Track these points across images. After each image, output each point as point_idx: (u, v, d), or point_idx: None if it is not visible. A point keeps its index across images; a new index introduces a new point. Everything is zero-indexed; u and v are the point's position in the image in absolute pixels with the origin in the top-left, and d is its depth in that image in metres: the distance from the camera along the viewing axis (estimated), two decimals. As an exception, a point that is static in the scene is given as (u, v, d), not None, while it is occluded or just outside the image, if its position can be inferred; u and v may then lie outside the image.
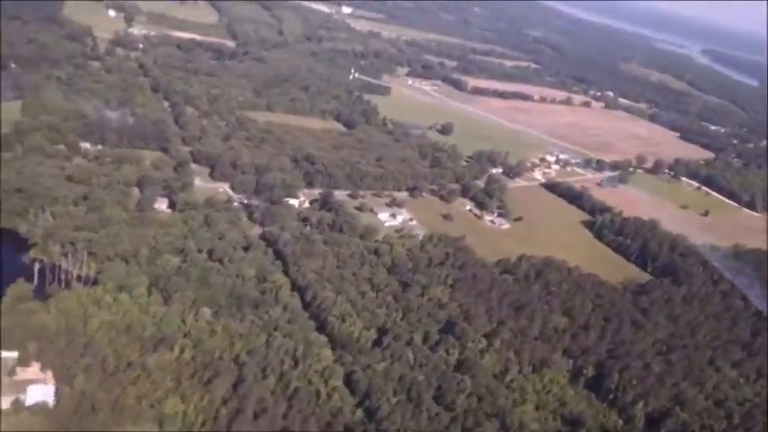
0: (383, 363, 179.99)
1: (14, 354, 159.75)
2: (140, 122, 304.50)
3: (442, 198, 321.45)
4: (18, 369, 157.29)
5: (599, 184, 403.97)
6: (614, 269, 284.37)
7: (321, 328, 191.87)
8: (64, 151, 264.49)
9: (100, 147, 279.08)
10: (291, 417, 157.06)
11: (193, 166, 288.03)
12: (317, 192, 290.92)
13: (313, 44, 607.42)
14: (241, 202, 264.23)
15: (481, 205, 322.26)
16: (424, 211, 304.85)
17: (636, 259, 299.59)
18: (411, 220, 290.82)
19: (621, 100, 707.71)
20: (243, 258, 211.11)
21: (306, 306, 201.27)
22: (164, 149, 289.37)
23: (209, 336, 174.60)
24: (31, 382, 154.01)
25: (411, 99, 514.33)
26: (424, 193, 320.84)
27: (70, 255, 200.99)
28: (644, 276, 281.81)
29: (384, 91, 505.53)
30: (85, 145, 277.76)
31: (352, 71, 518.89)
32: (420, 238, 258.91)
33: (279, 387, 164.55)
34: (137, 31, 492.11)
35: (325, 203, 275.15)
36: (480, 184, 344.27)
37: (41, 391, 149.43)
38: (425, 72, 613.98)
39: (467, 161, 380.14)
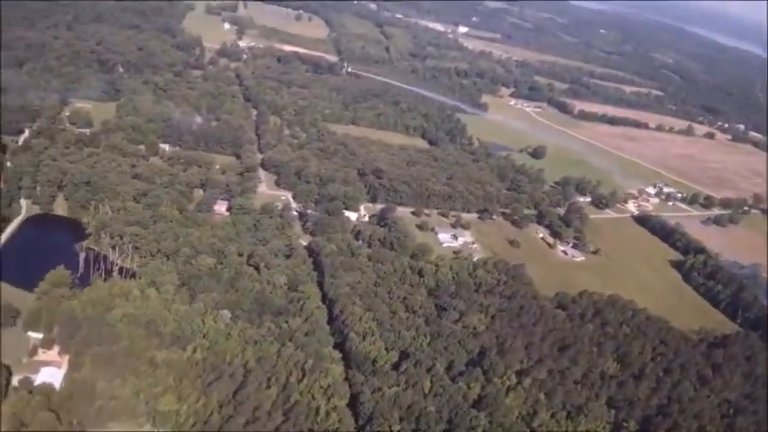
0: (395, 387, 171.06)
1: (39, 335, 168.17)
2: (220, 128, 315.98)
3: (513, 223, 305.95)
4: (40, 350, 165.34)
5: (703, 223, 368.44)
6: (695, 316, 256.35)
7: (341, 343, 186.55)
8: (141, 151, 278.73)
9: (177, 149, 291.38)
10: (284, 430, 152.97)
11: (262, 172, 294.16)
12: (379, 207, 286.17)
13: (417, 61, 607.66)
14: (298, 211, 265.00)
15: (556, 234, 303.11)
16: (490, 235, 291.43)
17: (725, 308, 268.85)
18: (473, 243, 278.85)
19: (753, 134, 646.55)
20: (279, 266, 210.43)
21: (331, 320, 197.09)
22: (237, 155, 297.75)
23: (224, 339, 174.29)
24: (46, 363, 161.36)
25: (508, 120, 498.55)
26: (495, 217, 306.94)
27: (117, 247, 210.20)
28: (730, 327, 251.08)
29: (480, 110, 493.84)
30: (164, 146, 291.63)
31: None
32: (474, 261, 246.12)
33: (280, 398, 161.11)
34: (245, 43, 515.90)
35: (382, 218, 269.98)
36: (560, 211, 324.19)
37: (51, 374, 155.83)
38: (531, 93, 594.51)
39: (552, 187, 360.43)
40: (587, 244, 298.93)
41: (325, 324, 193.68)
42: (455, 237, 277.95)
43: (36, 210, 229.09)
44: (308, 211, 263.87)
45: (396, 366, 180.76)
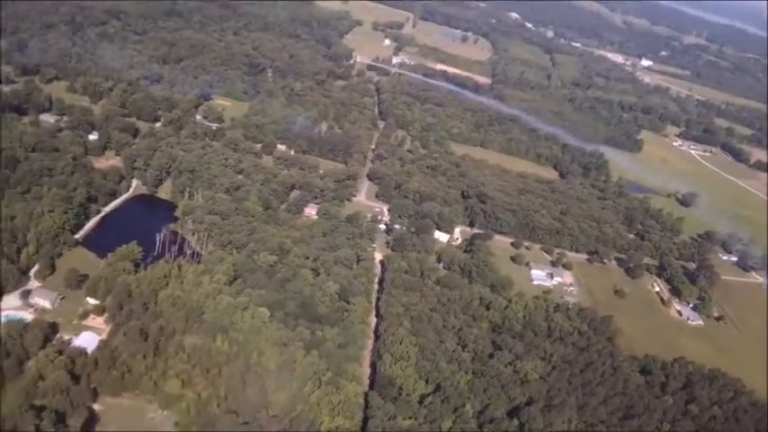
0: (412, 420, 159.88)
1: (95, 302, 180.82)
2: (337, 136, 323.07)
3: (627, 271, 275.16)
4: (91, 316, 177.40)
5: None
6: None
7: (373, 363, 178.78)
8: (256, 148, 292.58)
9: (291, 151, 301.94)
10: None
11: (367, 183, 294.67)
12: (475, 231, 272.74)
13: (579, 91, 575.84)
14: (387, 225, 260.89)
15: (675, 291, 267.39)
16: (595, 280, 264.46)
17: None
18: (570, 285, 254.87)
19: None
20: (339, 274, 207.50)
21: (378, 337, 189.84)
22: (345, 163, 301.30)
23: (255, 336, 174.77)
24: (89, 329, 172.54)
25: (664, 160, 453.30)
26: (606, 261, 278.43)
27: (196, 233, 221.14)
28: None
29: (632, 147, 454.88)
30: (281, 147, 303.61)
31: None
32: (556, 304, 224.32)
33: (286, 405, 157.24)
34: (398, 59, 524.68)
35: (470, 244, 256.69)
36: (689, 266, 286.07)
37: (89, 339, 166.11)
38: (703, 136, 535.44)
39: (692, 239, 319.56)
40: (712, 307, 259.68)
41: (366, 340, 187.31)
42: (550, 275, 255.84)
43: (143, 190, 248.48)
44: (396, 226, 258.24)
45: (423, 398, 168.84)
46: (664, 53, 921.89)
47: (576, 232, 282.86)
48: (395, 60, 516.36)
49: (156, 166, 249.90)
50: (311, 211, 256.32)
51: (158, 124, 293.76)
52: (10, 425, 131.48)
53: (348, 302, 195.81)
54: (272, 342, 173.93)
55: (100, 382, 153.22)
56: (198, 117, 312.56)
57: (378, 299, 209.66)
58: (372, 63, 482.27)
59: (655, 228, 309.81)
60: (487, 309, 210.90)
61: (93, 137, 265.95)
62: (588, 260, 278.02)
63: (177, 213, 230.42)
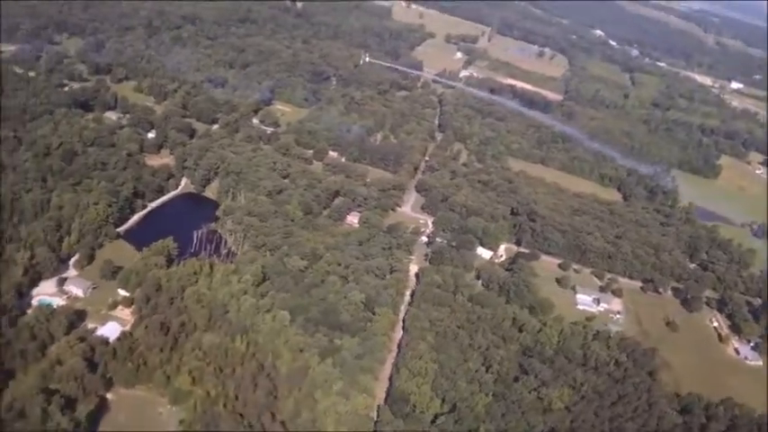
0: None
1: (125, 293, 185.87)
2: (389, 145, 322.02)
3: (684, 303, 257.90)
4: (119, 307, 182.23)
5: None
6: None
7: (391, 377, 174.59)
8: (308, 154, 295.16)
9: (344, 159, 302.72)
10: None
11: (414, 194, 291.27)
12: (522, 250, 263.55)
13: (657, 112, 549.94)
14: (428, 237, 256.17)
15: (735, 328, 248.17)
16: (646, 310, 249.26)
17: None
18: (618, 313, 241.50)
19: None
20: (368, 283, 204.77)
21: (398, 350, 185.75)
22: (395, 172, 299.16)
23: (274, 339, 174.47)
24: (115, 319, 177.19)
25: (742, 189, 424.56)
26: (662, 291, 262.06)
27: (234, 234, 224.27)
28: None
29: (709, 173, 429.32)
30: (333, 154, 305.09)
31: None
32: (596, 331, 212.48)
33: (291, 411, 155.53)
34: (467, 72, 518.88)
35: (513, 262, 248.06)
36: (755, 302, 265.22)
37: (112, 329, 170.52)
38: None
39: (762, 274, 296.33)
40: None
41: (387, 352, 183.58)
42: (597, 301, 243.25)
43: (191, 188, 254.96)
44: (437, 239, 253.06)
45: (436, 417, 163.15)
46: (757, 76, 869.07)
47: (630, 258, 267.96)
48: (463, 73, 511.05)
49: (205, 166, 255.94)
50: (353, 219, 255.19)
51: (216, 126, 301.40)
52: (19, 406, 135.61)
53: (373, 313, 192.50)
54: (288, 346, 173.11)
55: (115, 372, 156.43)
56: (255, 121, 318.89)
57: (406, 312, 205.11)
58: (438, 75, 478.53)
59: (721, 259, 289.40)
60: (520, 330, 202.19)
61: (151, 135, 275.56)
62: (642, 288, 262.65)
63: (218, 213, 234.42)
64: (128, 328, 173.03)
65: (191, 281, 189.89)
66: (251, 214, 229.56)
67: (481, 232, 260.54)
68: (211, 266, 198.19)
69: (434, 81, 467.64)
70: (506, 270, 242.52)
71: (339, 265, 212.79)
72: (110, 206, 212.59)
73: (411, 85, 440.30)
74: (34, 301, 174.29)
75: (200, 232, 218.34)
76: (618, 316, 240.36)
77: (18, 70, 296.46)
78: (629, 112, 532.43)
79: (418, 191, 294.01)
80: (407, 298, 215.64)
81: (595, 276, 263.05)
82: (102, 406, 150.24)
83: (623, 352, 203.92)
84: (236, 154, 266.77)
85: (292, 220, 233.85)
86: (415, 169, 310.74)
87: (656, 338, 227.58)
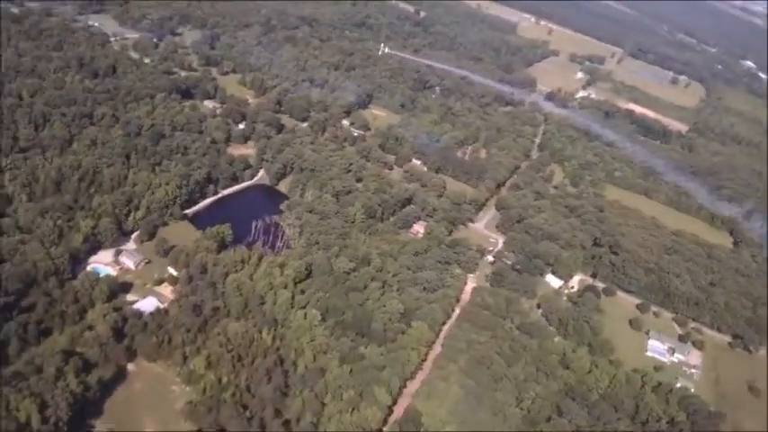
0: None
1: (173, 272, 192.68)
2: (476, 159, 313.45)
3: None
4: (164, 284, 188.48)
5: None
6: None
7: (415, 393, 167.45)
8: (390, 160, 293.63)
9: (426, 168, 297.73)
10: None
11: (492, 212, 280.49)
12: (597, 284, 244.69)
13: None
14: (494, 257, 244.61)
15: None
16: (729, 369, 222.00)
17: None
18: (694, 367, 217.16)
19: None
20: (411, 295, 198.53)
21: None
22: (475, 187, 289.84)
23: (300, 335, 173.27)
24: (157, 295, 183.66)
25: None
26: (753, 349, 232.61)
27: (292, 228, 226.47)
28: None
29: None
30: (416, 162, 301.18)
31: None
32: (658, 383, 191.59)
33: (298, 411, 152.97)
34: (584, 93, 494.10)
35: (580, 295, 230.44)
36: None
37: (149, 304, 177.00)
38: None
39: None
40: None
41: (416, 368, 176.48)
42: (671, 350, 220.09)
43: (266, 181, 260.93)
44: (503, 260, 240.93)
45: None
46: None
47: (721, 308, 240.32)
48: (579, 94, 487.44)
49: (282, 160, 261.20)
50: (419, 228, 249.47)
51: (305, 124, 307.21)
52: (39, 362, 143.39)
53: (408, 325, 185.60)
54: (312, 346, 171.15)
55: (140, 344, 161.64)
56: (345, 122, 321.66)
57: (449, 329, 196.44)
58: (551, 93, 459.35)
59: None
60: (566, 368, 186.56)
61: (241, 126, 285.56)
62: (730, 344, 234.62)
63: (282, 206, 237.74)
64: (165, 305, 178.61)
65: (236, 268, 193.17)
66: (312, 211, 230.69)
67: (553, 259, 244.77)
68: (260, 257, 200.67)
69: (547, 99, 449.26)
70: (573, 303, 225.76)
71: (388, 272, 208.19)
72: (179, 188, 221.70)
73: (517, 100, 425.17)
74: (89, 268, 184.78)
75: (259, 222, 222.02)
76: (693, 370, 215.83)
77: (134, 55, 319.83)
78: (756, 144, 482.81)
79: (497, 208, 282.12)
80: (455, 316, 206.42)
81: (677, 323, 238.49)
82: (121, 375, 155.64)
83: (684, 411, 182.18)
84: (314, 152, 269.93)
85: (353, 222, 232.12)
86: (499, 186, 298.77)
87: (732, 402, 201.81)
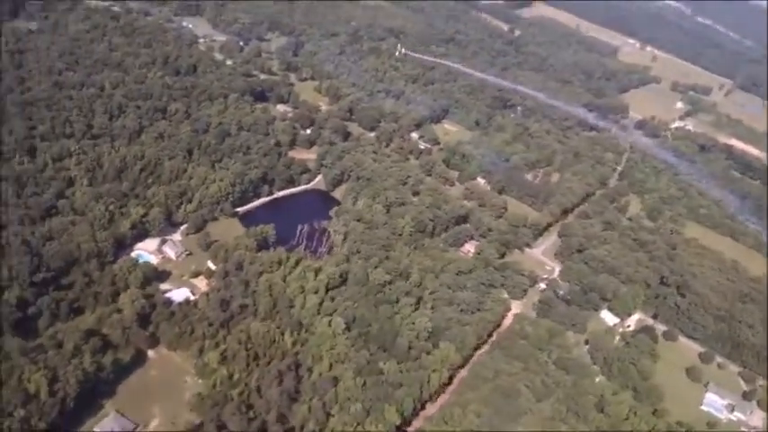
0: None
1: (212, 266, 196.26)
2: (545, 183, 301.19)
3: None
4: (200, 277, 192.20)
5: None
6: None
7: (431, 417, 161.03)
8: (453, 176, 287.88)
9: (489, 187, 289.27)
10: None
11: (555, 238, 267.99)
12: (657, 326, 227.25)
13: None
14: (547, 285, 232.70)
15: None
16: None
17: None
18: (754, 429, 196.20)
19: None
20: (444, 314, 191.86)
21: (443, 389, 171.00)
22: (539, 211, 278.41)
23: (319, 342, 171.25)
24: (191, 286, 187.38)
25: None
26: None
27: (338, 235, 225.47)
28: None
29: None
30: (481, 181, 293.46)
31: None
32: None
33: (302, 418, 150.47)
34: (680, 123, 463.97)
35: (634, 335, 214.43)
36: None
37: (180, 294, 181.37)
38: None
39: None
40: None
41: (438, 390, 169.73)
42: (730, 407, 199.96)
43: (322, 186, 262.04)
44: (555, 290, 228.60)
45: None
46: None
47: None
48: (675, 124, 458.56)
49: (340, 167, 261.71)
50: (470, 247, 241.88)
51: (372, 134, 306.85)
52: (61, 337, 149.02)
53: (435, 346, 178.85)
54: (330, 354, 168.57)
55: (163, 332, 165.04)
56: (414, 135, 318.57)
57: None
58: (642, 121, 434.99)
59: None
60: (601, 411, 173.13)
61: (308, 131, 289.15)
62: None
63: (331, 212, 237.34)
64: (196, 297, 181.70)
65: (271, 268, 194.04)
66: (360, 220, 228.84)
67: (611, 294, 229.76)
68: (298, 260, 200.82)
69: (638, 127, 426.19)
70: (625, 343, 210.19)
71: (425, 288, 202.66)
72: (233, 185, 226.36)
73: (597, 125, 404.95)
74: (133, 254, 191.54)
75: (304, 226, 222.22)
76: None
77: (219, 57, 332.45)
78: None
79: (560, 236, 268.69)
80: (491, 341, 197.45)
81: (743, 378, 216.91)
82: (140, 360, 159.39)
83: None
84: (375, 161, 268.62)
85: (400, 235, 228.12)
86: (566, 212, 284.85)
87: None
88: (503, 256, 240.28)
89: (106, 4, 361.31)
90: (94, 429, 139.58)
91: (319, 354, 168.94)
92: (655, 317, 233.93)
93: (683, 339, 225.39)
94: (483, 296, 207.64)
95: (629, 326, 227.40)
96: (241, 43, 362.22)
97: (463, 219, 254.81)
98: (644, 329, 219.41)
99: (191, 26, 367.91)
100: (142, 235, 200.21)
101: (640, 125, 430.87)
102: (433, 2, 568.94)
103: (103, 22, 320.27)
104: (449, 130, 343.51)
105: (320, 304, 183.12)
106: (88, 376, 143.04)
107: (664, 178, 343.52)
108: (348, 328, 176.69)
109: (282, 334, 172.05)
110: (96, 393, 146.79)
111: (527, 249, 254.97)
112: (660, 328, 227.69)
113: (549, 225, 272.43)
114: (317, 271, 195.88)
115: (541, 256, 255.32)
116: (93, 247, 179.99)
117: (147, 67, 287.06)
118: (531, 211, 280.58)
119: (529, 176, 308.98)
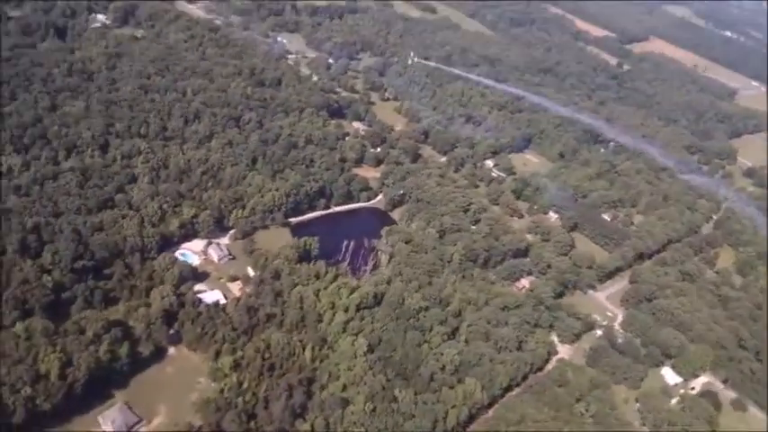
0: None
1: (251, 272, 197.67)
2: (621, 224, 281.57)
3: None
4: (237, 282, 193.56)
5: None
6: None
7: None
8: (521, 208, 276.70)
9: (560, 224, 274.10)
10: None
11: (625, 284, 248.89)
12: (726, 393, 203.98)
13: None
14: (605, 334, 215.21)
15: None
16: None
17: None
18: None
19: None
20: (477, 350, 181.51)
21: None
22: (608, 250, 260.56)
23: (338, 361, 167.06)
24: (226, 290, 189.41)
25: None
26: None
27: (385, 255, 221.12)
28: None
29: None
30: (553, 215, 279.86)
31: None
32: None
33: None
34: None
35: (695, 399, 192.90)
36: None
37: (212, 297, 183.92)
38: None
39: None
40: None
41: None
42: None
43: (381, 205, 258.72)
44: (612, 338, 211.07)
45: None
46: None
47: None
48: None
49: (400, 187, 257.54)
50: (525, 283, 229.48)
51: (444, 158, 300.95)
52: (85, 324, 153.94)
53: (460, 381, 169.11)
54: (347, 375, 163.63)
55: (186, 331, 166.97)
56: (489, 163, 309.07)
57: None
58: (751, 169, 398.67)
59: None
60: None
61: (378, 150, 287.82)
62: None
63: (383, 232, 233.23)
64: (227, 301, 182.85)
65: (307, 281, 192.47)
66: (409, 242, 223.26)
67: (677, 351, 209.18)
68: (336, 276, 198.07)
69: (746, 174, 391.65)
70: (683, 407, 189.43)
71: (463, 320, 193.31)
72: (287, 196, 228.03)
73: (693, 168, 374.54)
74: (177, 252, 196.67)
75: (350, 242, 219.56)
76: None
77: (305, 72, 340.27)
78: None
79: (631, 281, 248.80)
80: (524, 383, 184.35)
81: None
82: (160, 356, 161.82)
83: None
84: (438, 185, 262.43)
85: (448, 262, 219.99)
86: (641, 257, 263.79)
87: None
88: (560, 296, 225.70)
89: (210, 17, 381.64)
90: (98, 418, 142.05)
91: (336, 372, 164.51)
92: (725, 381, 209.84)
93: (753, 410, 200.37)
94: (526, 335, 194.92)
95: (692, 388, 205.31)
96: (330, 60, 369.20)
97: (523, 252, 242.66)
98: (709, 394, 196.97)
99: (285, 41, 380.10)
100: (191, 235, 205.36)
101: (749, 173, 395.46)
102: (541, 34, 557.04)
103: (201, 33, 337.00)
104: (529, 160, 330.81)
105: (347, 322, 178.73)
106: (101, 364, 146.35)
107: (764, 232, 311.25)
108: (371, 350, 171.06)
109: (303, 348, 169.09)
110: (109, 382, 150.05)
111: (590, 292, 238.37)
112: (729, 394, 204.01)
113: (620, 269, 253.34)
114: (354, 289, 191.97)
115: (605, 301, 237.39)
116: (139, 241, 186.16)
117: (233, 78, 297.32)
118: (603, 253, 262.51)
119: (607, 216, 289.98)
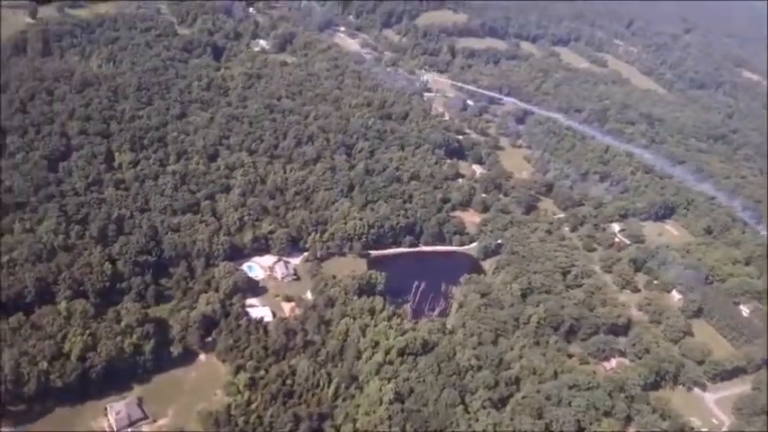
0: None
1: (309, 296, 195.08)
2: (757, 318, 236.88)
3: None
4: (291, 303, 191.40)
5: None
6: None
7: None
8: (639, 282, 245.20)
9: (679, 306, 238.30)
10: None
11: (747, 388, 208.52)
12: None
13: None
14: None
15: None
16: None
17: None
18: None
19: None
20: (521, 424, 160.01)
21: None
22: (735, 347, 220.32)
23: (358, 404, 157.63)
24: (278, 309, 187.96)
25: None
26: None
27: (456, 303, 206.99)
28: None
29: None
30: (677, 295, 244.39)
31: None
32: None
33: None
34: None
35: None
36: None
37: (260, 312, 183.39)
38: None
39: None
40: None
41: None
42: None
43: (474, 253, 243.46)
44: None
45: None
46: None
47: None
48: None
49: (498, 236, 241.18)
50: (611, 363, 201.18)
51: (563, 214, 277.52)
52: (123, 315, 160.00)
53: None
54: (365, 420, 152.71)
55: (219, 341, 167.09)
56: (614, 226, 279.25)
57: None
58: None
59: None
60: None
61: (487, 195, 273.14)
62: None
63: (461, 279, 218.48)
64: (272, 320, 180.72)
65: (359, 315, 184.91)
66: (486, 295, 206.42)
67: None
68: (390, 316, 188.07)
69: None
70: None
71: (518, 390, 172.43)
72: (370, 227, 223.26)
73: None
74: (246, 264, 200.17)
75: (421, 284, 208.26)
76: None
77: (438, 110, 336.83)
78: None
79: (754, 388, 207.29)
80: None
81: None
82: (189, 360, 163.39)
83: None
84: (541, 241, 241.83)
85: (524, 324, 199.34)
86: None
87: None
88: (654, 387, 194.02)
89: (364, 50, 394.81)
90: (107, 406, 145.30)
91: (354, 415, 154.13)
92: None
93: None
94: (590, 423, 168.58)
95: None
96: (469, 102, 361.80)
97: (622, 330, 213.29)
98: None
99: (427, 79, 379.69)
100: (263, 250, 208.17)
101: None
102: (726, 99, 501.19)
103: (345, 64, 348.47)
104: (668, 231, 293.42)
105: (383, 365, 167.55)
106: (122, 355, 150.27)
107: None
108: (400, 400, 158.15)
109: (330, 382, 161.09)
110: (132, 375, 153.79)
111: (696, 390, 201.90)
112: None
113: (743, 371, 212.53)
114: (405, 332, 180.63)
115: (712, 405, 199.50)
116: (206, 247, 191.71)
117: (359, 108, 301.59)
118: (728, 348, 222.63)
119: (745, 308, 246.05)
